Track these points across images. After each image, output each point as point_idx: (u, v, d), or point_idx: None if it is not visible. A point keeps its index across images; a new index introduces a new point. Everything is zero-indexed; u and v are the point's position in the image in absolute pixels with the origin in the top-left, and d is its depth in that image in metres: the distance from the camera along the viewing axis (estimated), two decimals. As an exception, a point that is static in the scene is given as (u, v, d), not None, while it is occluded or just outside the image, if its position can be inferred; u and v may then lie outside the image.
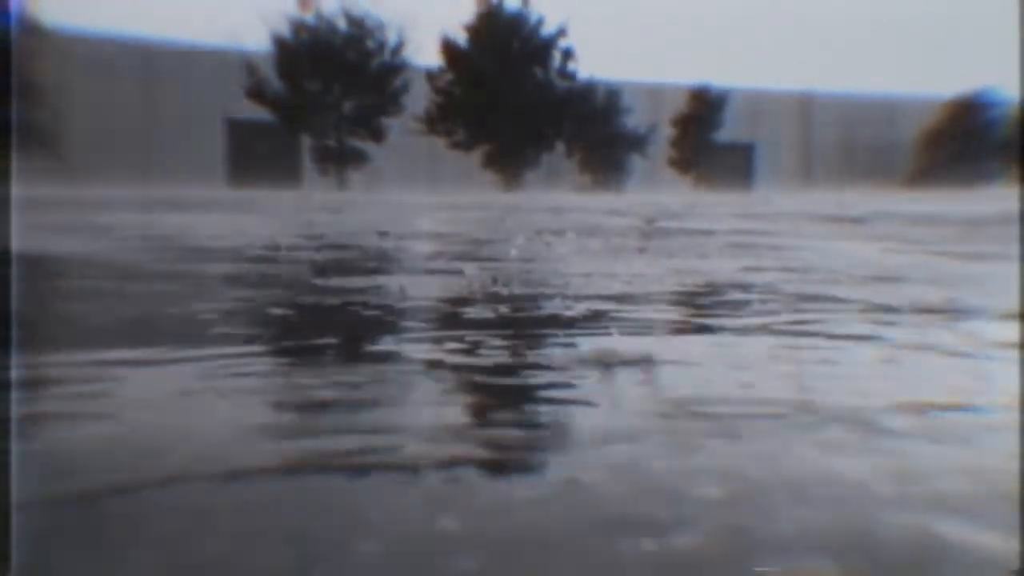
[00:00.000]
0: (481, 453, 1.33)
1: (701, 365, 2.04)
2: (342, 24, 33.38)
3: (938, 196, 21.15)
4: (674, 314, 3.14)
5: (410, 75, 33.79)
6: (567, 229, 8.15)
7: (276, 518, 1.07)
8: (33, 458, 1.31)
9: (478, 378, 1.91)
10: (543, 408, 1.67)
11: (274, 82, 32.98)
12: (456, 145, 35.74)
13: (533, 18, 35.41)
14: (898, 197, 20.97)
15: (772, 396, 1.71)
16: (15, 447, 1.36)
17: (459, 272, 4.27)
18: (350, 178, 34.09)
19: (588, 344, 2.21)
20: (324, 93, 33.24)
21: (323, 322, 2.80)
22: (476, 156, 35.91)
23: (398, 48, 33.75)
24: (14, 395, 1.70)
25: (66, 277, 4.34)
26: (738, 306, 3.15)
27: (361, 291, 3.44)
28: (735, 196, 24.70)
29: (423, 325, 2.81)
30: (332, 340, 2.44)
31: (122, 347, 2.20)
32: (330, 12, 33.33)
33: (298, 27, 33.18)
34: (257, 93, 32.97)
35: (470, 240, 6.89)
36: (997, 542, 1.01)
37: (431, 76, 35.14)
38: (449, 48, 35.34)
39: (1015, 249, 5.48)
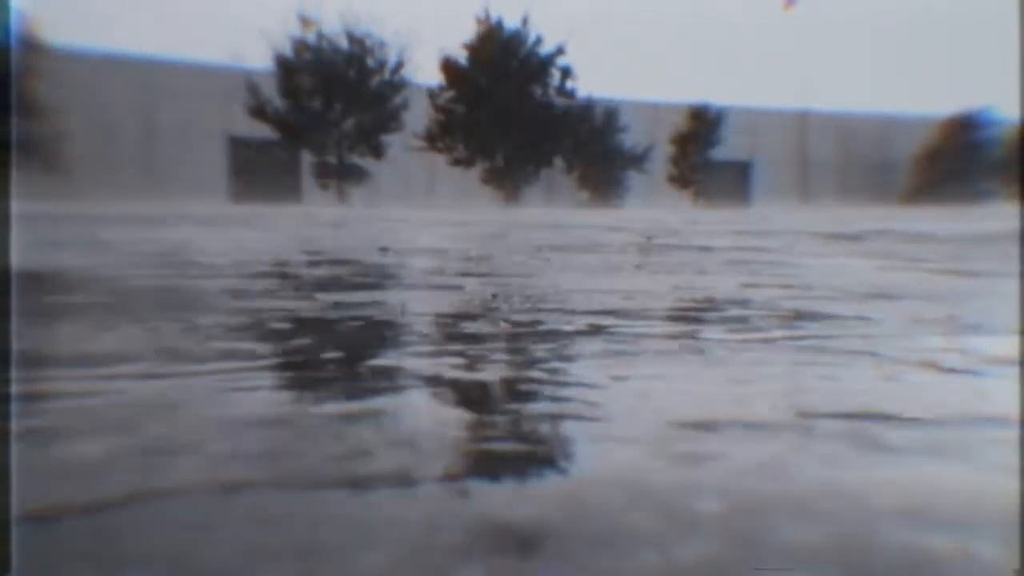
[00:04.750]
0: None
1: (700, 380, 2.05)
2: (343, 43, 33.53)
3: (935, 214, 21.22)
4: (672, 329, 3.15)
5: (410, 93, 33.91)
6: (566, 245, 8.17)
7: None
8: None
9: (477, 392, 1.93)
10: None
11: (276, 100, 33.11)
12: (456, 162, 35.86)
13: (532, 37, 35.60)
14: (895, 214, 21.03)
15: (767, 409, 1.72)
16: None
17: (460, 288, 4.29)
18: (350, 194, 34.17)
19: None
20: (325, 111, 33.35)
21: (324, 337, 2.82)
22: (476, 172, 36.01)
23: (399, 66, 33.87)
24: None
25: (66, 292, 4.36)
26: (736, 322, 3.16)
27: (362, 305, 3.46)
28: (733, 213, 24.77)
29: (423, 339, 2.83)
30: (333, 355, 2.46)
31: (126, 361, 2.22)
32: (332, 31, 33.49)
33: (300, 46, 33.31)
34: (259, 111, 33.08)
35: (470, 256, 6.91)
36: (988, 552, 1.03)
37: (432, 94, 35.30)
38: (449, 66, 35.51)
39: (1013, 266, 5.51)
